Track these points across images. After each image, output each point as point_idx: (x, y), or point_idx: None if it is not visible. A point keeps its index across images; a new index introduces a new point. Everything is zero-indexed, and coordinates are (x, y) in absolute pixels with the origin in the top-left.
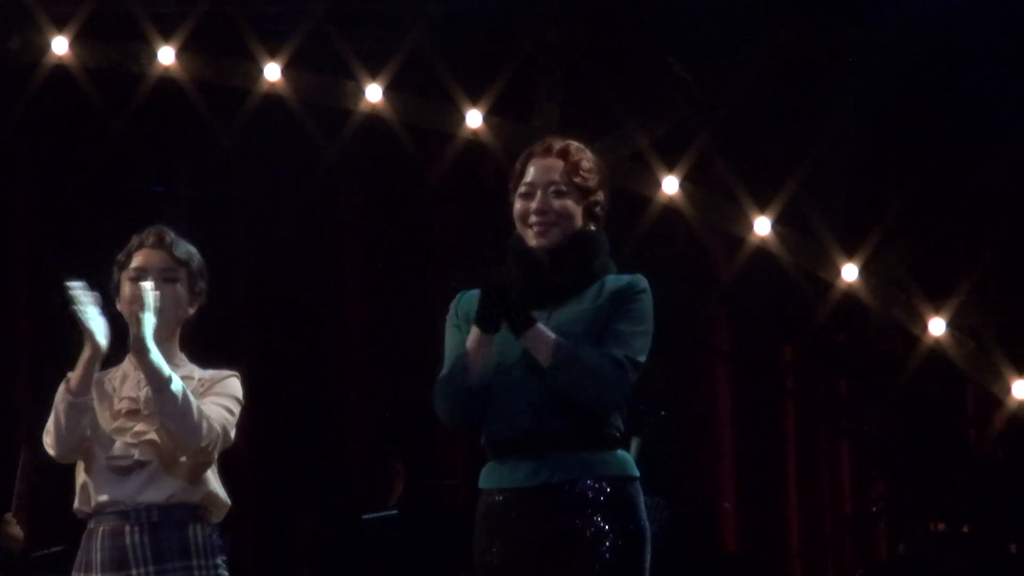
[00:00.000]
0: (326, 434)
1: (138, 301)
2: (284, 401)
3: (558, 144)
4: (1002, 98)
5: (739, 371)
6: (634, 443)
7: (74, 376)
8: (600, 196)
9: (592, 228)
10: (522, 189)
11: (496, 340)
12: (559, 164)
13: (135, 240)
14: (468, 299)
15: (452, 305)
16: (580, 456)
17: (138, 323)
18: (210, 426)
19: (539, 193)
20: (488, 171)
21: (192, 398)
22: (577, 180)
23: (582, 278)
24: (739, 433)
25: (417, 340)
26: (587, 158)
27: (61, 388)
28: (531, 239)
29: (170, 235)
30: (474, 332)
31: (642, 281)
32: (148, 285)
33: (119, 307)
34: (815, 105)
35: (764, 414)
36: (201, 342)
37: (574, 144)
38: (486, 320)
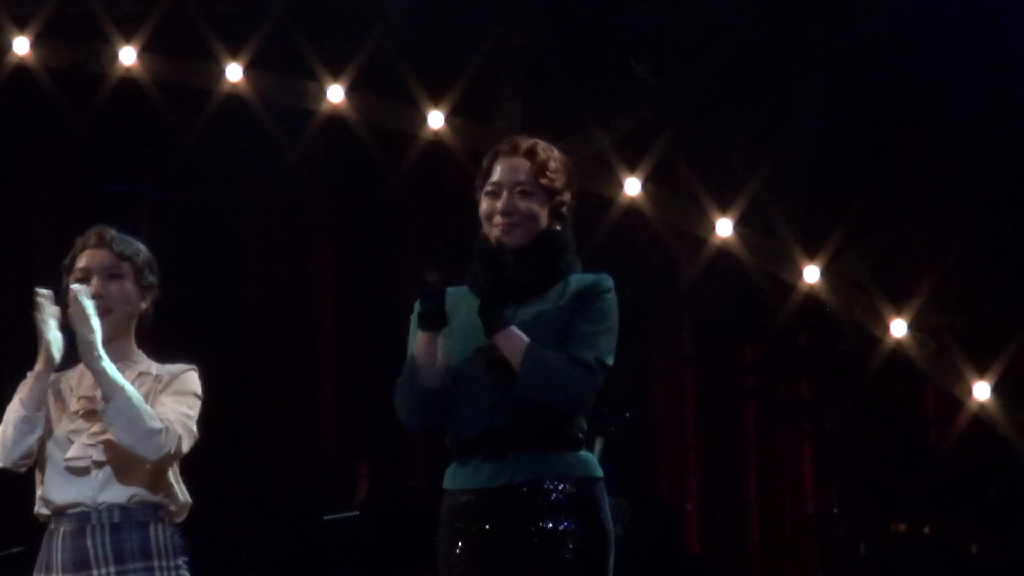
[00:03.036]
0: (290, 434)
1: (75, 306)
2: (248, 402)
3: (525, 143)
4: (966, 97)
5: (701, 372)
6: (597, 444)
7: (25, 391)
8: (566, 196)
9: (557, 228)
10: (488, 188)
11: (457, 338)
12: (525, 164)
13: (78, 242)
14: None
15: (415, 306)
16: (543, 457)
17: (85, 331)
18: (168, 430)
19: (505, 193)
20: (451, 172)
21: (146, 406)
22: (544, 181)
23: (546, 277)
24: (701, 433)
25: (384, 339)
26: (554, 158)
27: (15, 399)
28: (496, 238)
29: (110, 232)
30: (418, 335)
31: (607, 280)
32: (80, 289)
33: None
34: (777, 105)
35: (726, 415)
36: (164, 345)
37: (541, 144)
38: (427, 319)
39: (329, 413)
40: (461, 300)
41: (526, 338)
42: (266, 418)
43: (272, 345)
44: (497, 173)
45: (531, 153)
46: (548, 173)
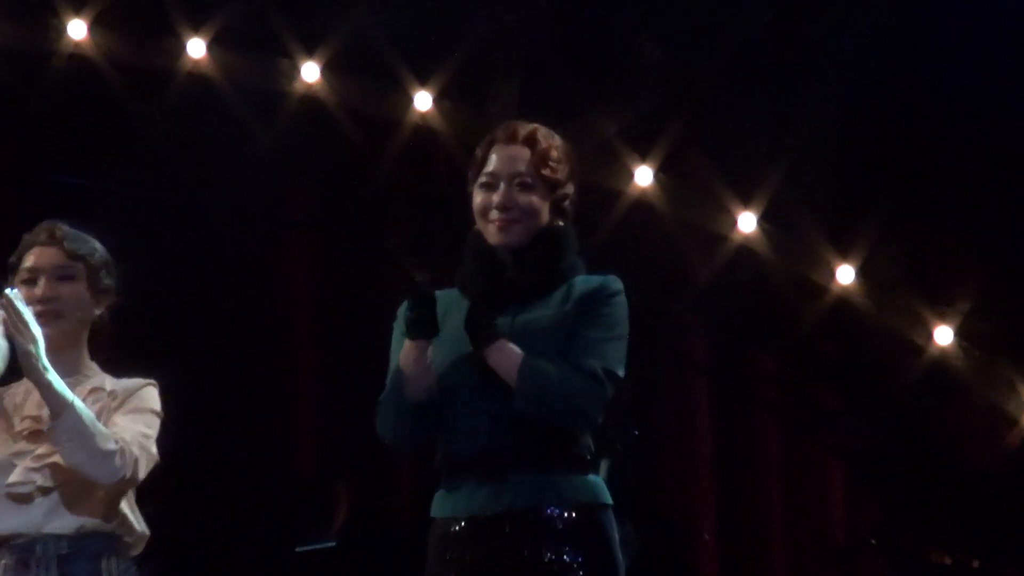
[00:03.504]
0: (261, 455)
1: (10, 312)
2: (215, 419)
3: (524, 130)
4: (1014, 69)
5: (717, 383)
6: (603, 466)
7: None
8: (569, 189)
9: (560, 224)
10: (483, 179)
11: (448, 346)
12: (525, 153)
13: (26, 239)
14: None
15: (399, 311)
16: (546, 479)
17: (23, 340)
18: (124, 452)
19: (502, 186)
20: (440, 161)
21: (99, 426)
22: (545, 172)
23: (547, 279)
24: (717, 453)
25: (367, 349)
26: (556, 146)
27: None
28: (492, 236)
29: (62, 228)
30: (405, 344)
31: (615, 282)
32: (14, 292)
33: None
34: (801, 86)
35: (745, 431)
36: (123, 352)
37: (542, 130)
38: (415, 327)
39: (305, 431)
40: (451, 303)
41: (519, 351)
42: (235, 437)
43: (242, 356)
44: (493, 163)
45: (531, 141)
46: (550, 163)
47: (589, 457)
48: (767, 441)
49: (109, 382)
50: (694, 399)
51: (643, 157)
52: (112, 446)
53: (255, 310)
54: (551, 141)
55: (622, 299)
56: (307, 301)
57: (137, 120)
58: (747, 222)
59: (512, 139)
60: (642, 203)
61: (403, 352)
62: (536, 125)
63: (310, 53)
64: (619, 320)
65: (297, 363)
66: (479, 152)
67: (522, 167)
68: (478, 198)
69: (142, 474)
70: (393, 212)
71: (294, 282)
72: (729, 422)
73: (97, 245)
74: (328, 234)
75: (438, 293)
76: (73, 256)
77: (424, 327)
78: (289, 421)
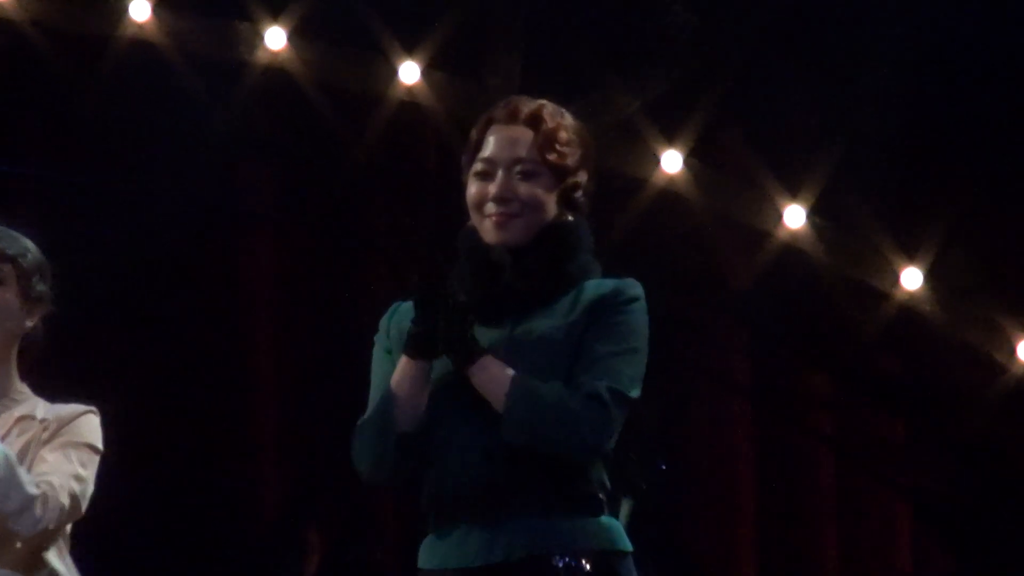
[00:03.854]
0: (222, 493)
1: None
2: (164, 451)
3: (527, 107)
4: None
5: (760, 408)
6: (624, 506)
7: None
8: (582, 177)
9: (569, 219)
10: (478, 167)
11: (436, 366)
12: (527, 135)
13: None
14: (405, 312)
15: (382, 321)
16: (552, 523)
17: None
18: (46, 500)
19: (500, 174)
20: (429, 143)
21: (18, 470)
22: (551, 157)
23: (553, 284)
24: (761, 491)
25: (342, 366)
26: (565, 126)
27: None
28: (488, 233)
29: None
30: (402, 361)
31: (633, 286)
32: None
33: None
34: (859, 56)
35: (793, 465)
36: (55, 369)
37: (549, 107)
38: (418, 342)
39: (270, 465)
40: None
41: (508, 370)
42: (185, 473)
43: (195, 376)
44: (490, 147)
45: (535, 120)
46: (557, 147)
47: (603, 496)
48: (819, 477)
49: (41, 408)
50: (733, 427)
51: (671, 139)
52: (32, 492)
53: (211, 321)
54: (559, 120)
55: (640, 306)
56: (272, 309)
57: (69, 95)
58: (795, 216)
59: (512, 118)
60: (670, 193)
61: (399, 371)
62: (542, 101)
63: (275, 16)
64: (634, 331)
65: (260, 383)
66: (474, 134)
67: (524, 151)
68: (472, 188)
69: (68, 520)
70: (373, 204)
71: (256, 287)
72: (774, 454)
73: (29, 244)
74: (296, 230)
75: (406, 305)
76: (1, 257)
77: (429, 343)
78: (250, 453)
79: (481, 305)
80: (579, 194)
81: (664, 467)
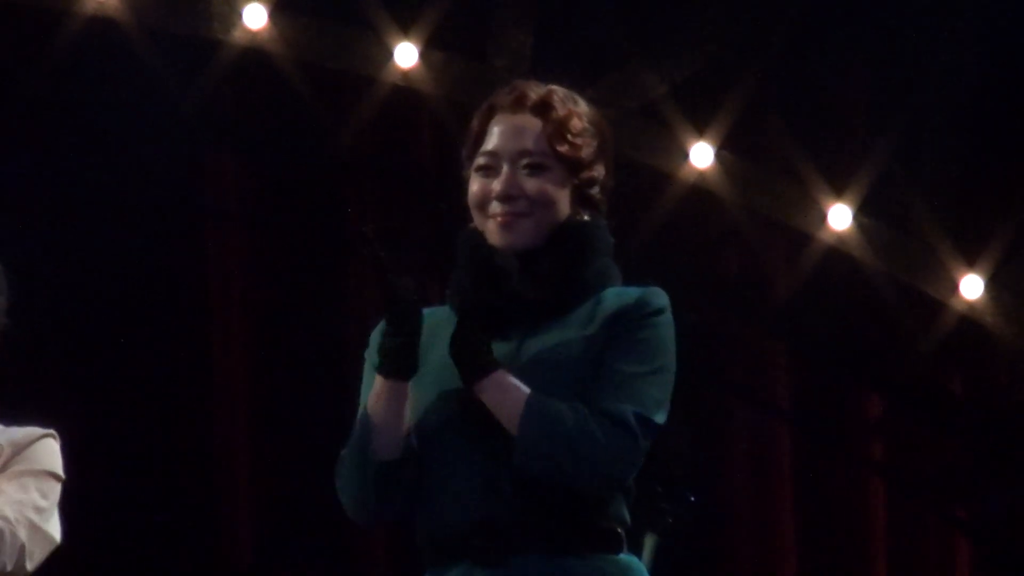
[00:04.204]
0: (183, 531)
1: None
2: (128, 476)
3: (535, 93)
4: None
5: (803, 433)
6: (648, 543)
7: None
8: (598, 171)
9: (585, 218)
10: (480, 161)
11: (432, 382)
12: (535, 124)
13: None
14: None
15: (373, 336)
16: (564, 563)
17: None
18: (4, 537)
19: (505, 168)
20: (426, 134)
21: None
22: (563, 149)
23: (567, 291)
24: (805, 524)
25: (323, 386)
26: (579, 114)
27: None
28: (493, 235)
29: None
30: (377, 381)
31: (657, 296)
32: None
33: None
34: (916, 35)
35: (840, 497)
36: (6, 386)
37: (559, 92)
38: (392, 358)
39: (240, 500)
40: (439, 325)
41: (523, 387)
42: (146, 509)
43: (156, 394)
44: (494, 138)
45: (544, 107)
46: (569, 136)
47: (620, 531)
48: (869, 509)
49: None
50: (773, 454)
51: (701, 129)
52: None
53: (176, 331)
54: (571, 107)
55: (666, 319)
56: (244, 320)
57: (19, 78)
58: (841, 217)
59: (518, 105)
60: (700, 190)
61: (374, 393)
62: (552, 87)
63: None
64: (661, 348)
65: (231, 405)
66: (475, 124)
67: (531, 143)
68: (475, 185)
69: (32, 563)
70: (361, 201)
71: (227, 294)
72: (819, 484)
73: None
74: (273, 230)
75: (425, 311)
76: None
77: (404, 360)
78: (220, 487)
79: (485, 316)
80: (595, 190)
81: (693, 499)
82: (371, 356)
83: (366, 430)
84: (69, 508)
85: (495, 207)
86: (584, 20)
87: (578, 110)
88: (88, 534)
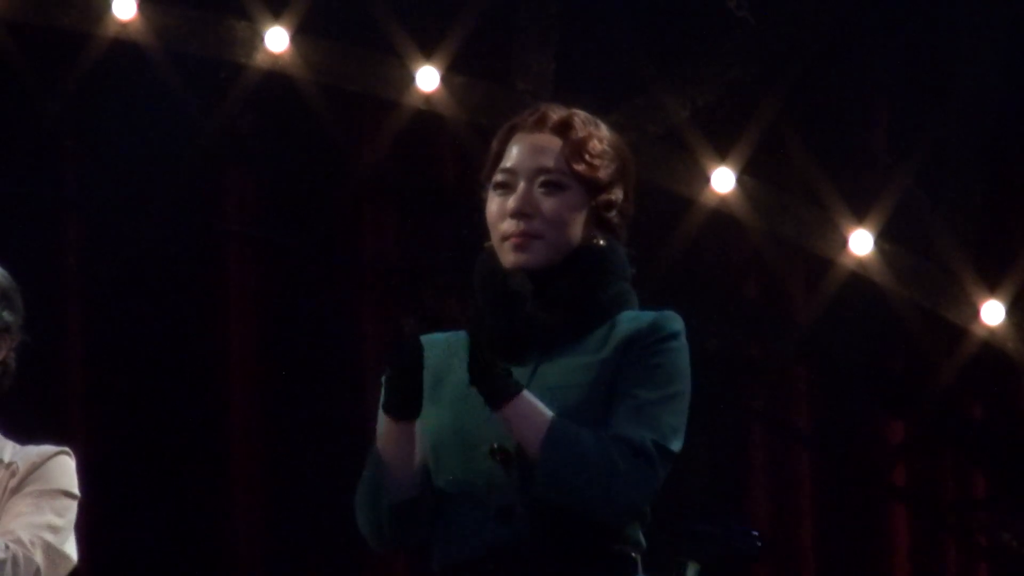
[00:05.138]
0: (198, 548)
1: None
2: (143, 493)
3: (556, 114)
4: None
5: (825, 460)
6: (691, 571)
7: None
8: (616, 194)
9: (601, 242)
10: (498, 177)
11: (450, 407)
12: (554, 143)
13: None
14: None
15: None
16: None
17: None
18: (19, 560)
19: (522, 184)
20: (447, 156)
21: None
22: (580, 169)
23: (584, 316)
24: (826, 549)
25: (336, 409)
26: (599, 136)
27: None
28: (507, 255)
29: None
30: (384, 420)
31: (672, 321)
32: None
33: None
34: (939, 59)
35: (862, 523)
36: (23, 402)
37: (581, 116)
38: (392, 397)
39: (255, 521)
40: (457, 350)
41: (547, 411)
42: (160, 525)
43: (172, 412)
44: (512, 156)
45: (564, 128)
46: (588, 158)
47: (636, 555)
48: (891, 536)
49: (9, 450)
50: (794, 479)
51: (723, 153)
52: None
53: (194, 351)
54: (592, 129)
55: (681, 344)
56: (261, 339)
57: (42, 99)
58: (862, 242)
59: (539, 125)
60: (721, 215)
61: (381, 433)
62: (574, 110)
63: (276, 14)
64: (677, 374)
65: (246, 423)
66: (495, 144)
67: (549, 161)
68: (492, 203)
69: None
70: (382, 224)
71: (246, 315)
72: (840, 510)
73: None
74: (293, 252)
75: (441, 338)
76: None
77: (407, 400)
78: (234, 505)
79: (500, 340)
80: (613, 214)
81: (736, 528)
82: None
83: (379, 468)
84: (85, 524)
85: (509, 225)
86: (606, 45)
87: (599, 133)
88: (102, 550)
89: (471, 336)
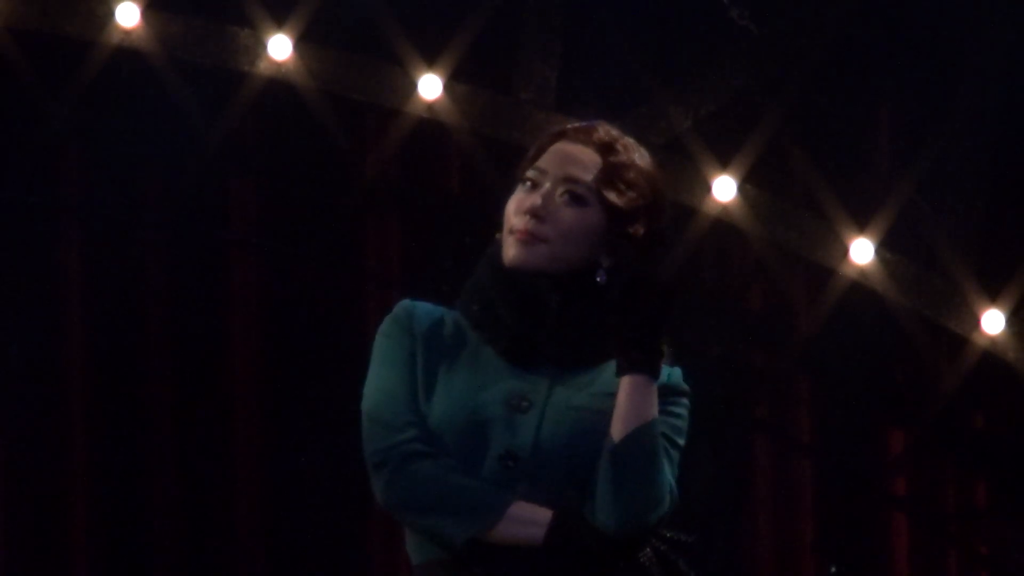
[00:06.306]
0: (202, 549)
1: None
2: (148, 497)
3: (604, 132)
4: None
5: (827, 468)
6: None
7: None
8: (638, 228)
9: (603, 269)
10: (529, 173)
11: (457, 401)
12: (593, 160)
13: None
14: (426, 311)
15: (399, 318)
16: None
17: None
18: None
19: (547, 186)
20: (450, 165)
21: None
22: (608, 193)
23: (603, 344)
24: (827, 559)
25: (340, 420)
26: (638, 167)
27: None
28: (509, 248)
29: None
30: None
31: (682, 381)
32: None
33: None
34: (943, 69)
35: (863, 532)
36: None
37: (626, 140)
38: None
39: (256, 529)
40: (464, 342)
41: (654, 408)
42: (161, 528)
43: (175, 419)
44: (548, 157)
45: (606, 148)
46: (620, 185)
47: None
48: (892, 546)
49: None
50: (795, 488)
51: (725, 162)
52: None
53: (198, 359)
54: (633, 158)
55: (687, 405)
56: (265, 347)
57: (46, 108)
58: (863, 251)
59: (584, 138)
60: (723, 224)
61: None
62: (625, 136)
63: (280, 23)
64: (682, 433)
65: (249, 432)
66: (537, 143)
67: (581, 173)
68: (514, 198)
69: None
70: (384, 233)
71: (249, 323)
72: (842, 520)
73: None
74: (296, 260)
75: (439, 312)
76: None
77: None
78: (237, 510)
79: (518, 342)
80: (627, 243)
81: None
82: (399, 337)
83: (491, 510)
84: (86, 525)
85: (521, 220)
86: (609, 54)
87: (639, 164)
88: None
89: (491, 338)
